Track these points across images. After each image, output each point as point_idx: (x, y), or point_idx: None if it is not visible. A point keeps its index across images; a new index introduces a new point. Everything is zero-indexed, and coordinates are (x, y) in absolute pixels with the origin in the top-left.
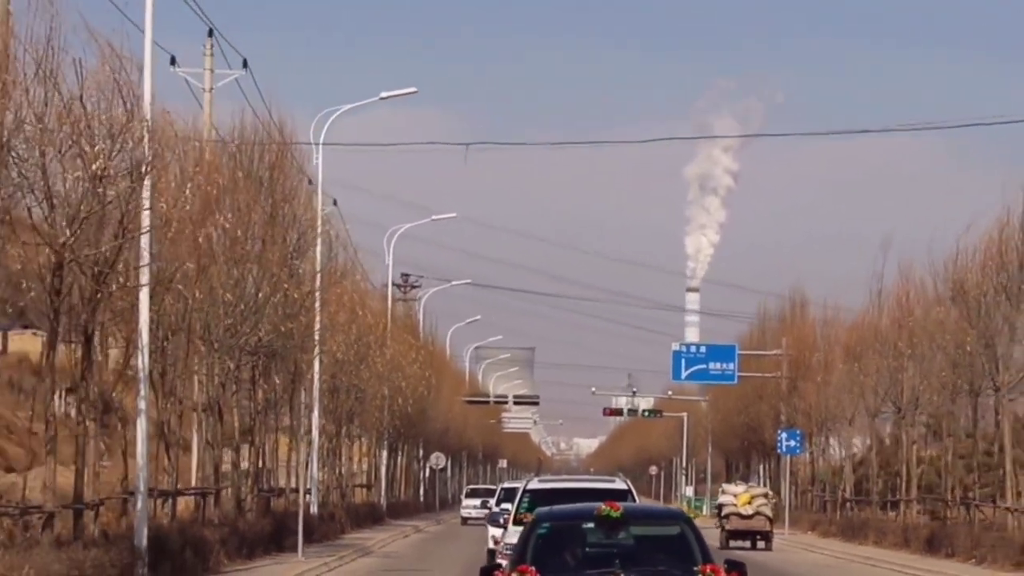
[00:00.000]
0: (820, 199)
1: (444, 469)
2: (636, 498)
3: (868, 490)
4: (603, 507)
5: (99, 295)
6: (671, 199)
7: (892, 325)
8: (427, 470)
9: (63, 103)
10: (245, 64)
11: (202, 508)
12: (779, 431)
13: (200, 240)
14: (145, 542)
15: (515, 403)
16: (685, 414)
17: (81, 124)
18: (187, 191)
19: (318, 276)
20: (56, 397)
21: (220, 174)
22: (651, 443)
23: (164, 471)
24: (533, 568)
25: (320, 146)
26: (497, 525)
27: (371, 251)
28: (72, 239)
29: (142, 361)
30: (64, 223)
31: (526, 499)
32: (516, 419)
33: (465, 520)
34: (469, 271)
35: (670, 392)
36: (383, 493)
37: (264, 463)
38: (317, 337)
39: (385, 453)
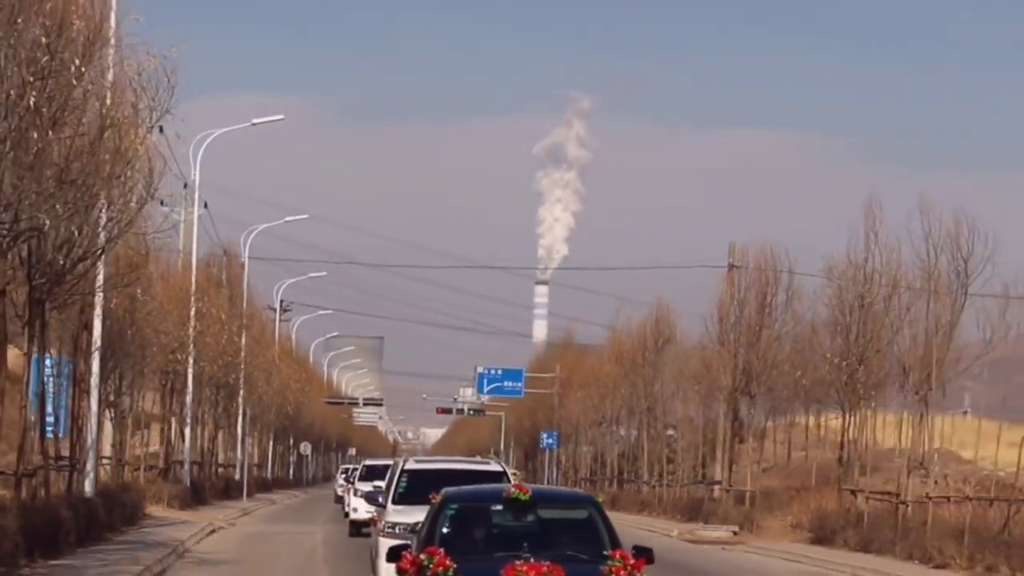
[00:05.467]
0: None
1: (308, 455)
2: (511, 479)
3: (600, 472)
4: (512, 489)
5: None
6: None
7: (610, 364)
8: (296, 455)
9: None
10: (206, 205)
11: (200, 471)
12: (541, 432)
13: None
14: (189, 481)
15: (364, 404)
16: (503, 414)
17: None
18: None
19: (243, 340)
20: None
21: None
22: (478, 436)
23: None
24: (442, 550)
25: (247, 259)
26: (376, 504)
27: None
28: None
29: (189, 397)
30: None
31: (404, 479)
32: (365, 414)
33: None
34: (325, 269)
35: (484, 399)
36: (269, 471)
37: (216, 450)
38: (242, 379)
39: (271, 443)
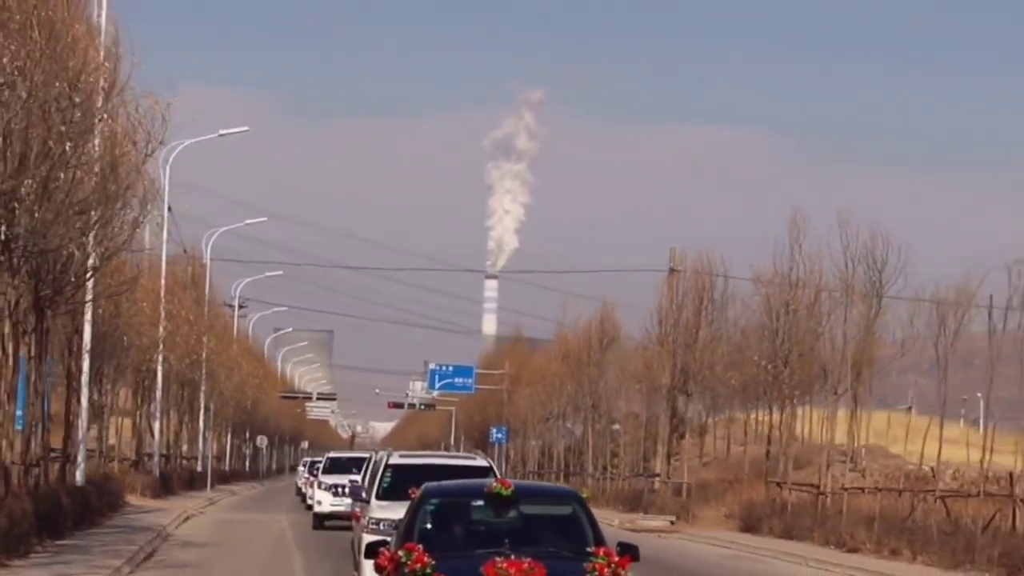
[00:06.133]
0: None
1: (264, 448)
2: (498, 474)
3: (547, 465)
4: (494, 484)
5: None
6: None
7: (556, 362)
8: (252, 448)
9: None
10: (169, 209)
11: (167, 463)
12: (491, 427)
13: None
14: (158, 472)
15: (318, 398)
16: (453, 408)
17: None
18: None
19: (206, 340)
20: None
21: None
22: (428, 431)
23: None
24: (420, 546)
25: (209, 260)
26: (359, 499)
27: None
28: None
29: (159, 393)
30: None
31: (388, 474)
32: (317, 408)
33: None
34: (281, 266)
35: (435, 394)
36: (227, 464)
37: (180, 443)
38: (204, 376)
39: (229, 437)
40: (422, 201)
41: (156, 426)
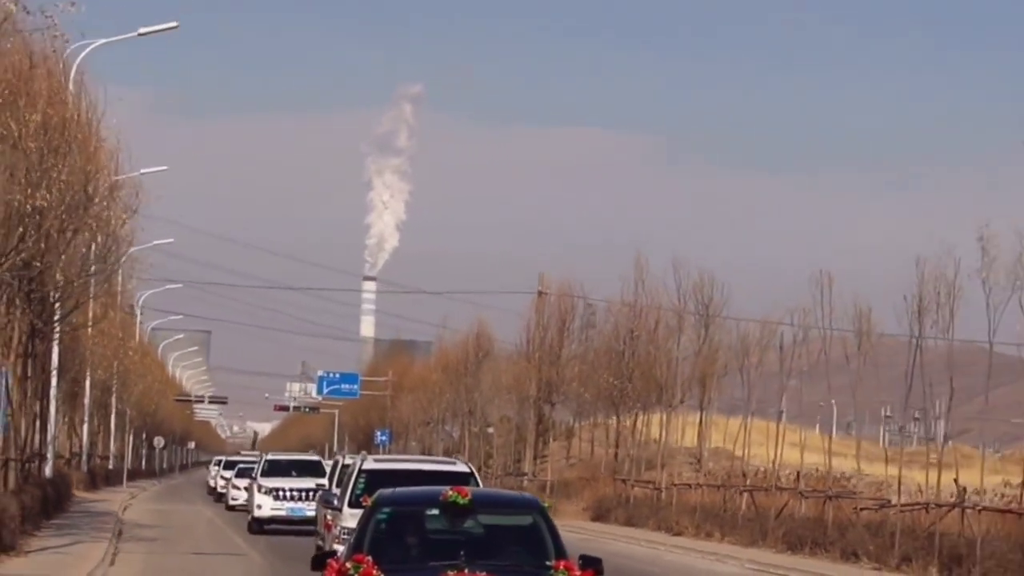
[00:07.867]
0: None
1: (159, 448)
2: (479, 481)
3: None
4: (450, 492)
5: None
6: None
7: (436, 372)
8: (148, 448)
9: None
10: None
11: (89, 461)
12: (376, 430)
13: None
14: (87, 468)
15: (210, 402)
16: (336, 411)
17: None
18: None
19: (129, 354)
20: None
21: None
22: (312, 432)
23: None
24: (370, 558)
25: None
26: (331, 507)
27: None
28: None
29: (88, 400)
30: None
31: (362, 480)
32: (206, 410)
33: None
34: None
35: (320, 398)
36: (129, 463)
37: (97, 443)
38: (115, 386)
39: (131, 438)
40: (301, 202)
41: (84, 429)
